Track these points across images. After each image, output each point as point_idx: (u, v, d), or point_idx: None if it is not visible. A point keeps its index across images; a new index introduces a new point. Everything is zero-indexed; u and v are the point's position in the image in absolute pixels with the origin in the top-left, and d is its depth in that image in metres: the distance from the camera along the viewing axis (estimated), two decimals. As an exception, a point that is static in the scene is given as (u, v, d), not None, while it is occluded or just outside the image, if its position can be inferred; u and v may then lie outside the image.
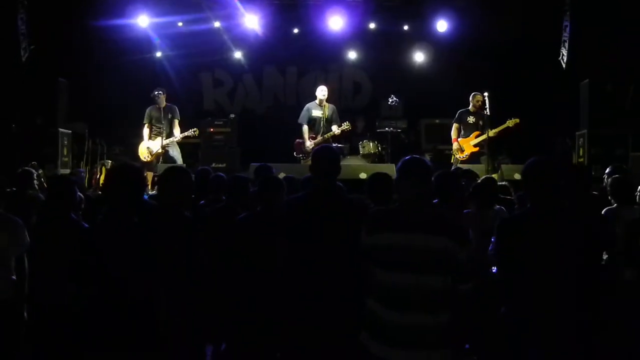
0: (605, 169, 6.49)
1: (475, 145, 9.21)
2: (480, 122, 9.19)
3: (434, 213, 3.20)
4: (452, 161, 9.64)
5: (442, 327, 3.02)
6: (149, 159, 9.70)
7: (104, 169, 10.00)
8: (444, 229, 3.08)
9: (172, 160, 9.68)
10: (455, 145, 9.43)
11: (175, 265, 3.55)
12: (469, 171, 6.50)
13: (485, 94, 8.97)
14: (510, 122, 9.00)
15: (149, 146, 9.78)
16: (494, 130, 8.99)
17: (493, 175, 7.56)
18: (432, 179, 4.36)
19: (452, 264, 3.04)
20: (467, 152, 9.31)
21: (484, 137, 9.05)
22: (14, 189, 5.98)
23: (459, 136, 9.44)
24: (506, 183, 7.24)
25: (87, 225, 4.04)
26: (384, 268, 3.07)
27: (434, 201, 4.66)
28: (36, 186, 6.30)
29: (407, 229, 3.05)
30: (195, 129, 9.78)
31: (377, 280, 3.10)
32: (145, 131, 9.86)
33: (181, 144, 10.17)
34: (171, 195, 3.86)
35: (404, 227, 3.06)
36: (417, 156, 3.24)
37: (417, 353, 2.99)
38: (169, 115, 9.77)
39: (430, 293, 3.01)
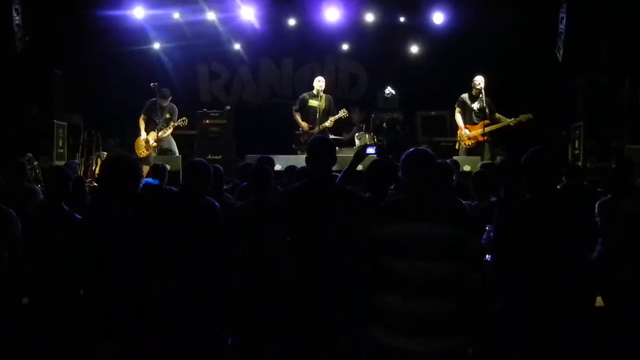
0: (601, 162, 6.45)
1: (483, 135, 9.18)
2: (487, 109, 9.16)
3: (445, 202, 3.27)
4: (457, 147, 9.67)
5: (454, 314, 3.06)
6: (144, 154, 9.69)
7: (99, 161, 9.98)
8: (456, 217, 3.15)
9: (169, 151, 9.70)
10: (465, 133, 9.39)
11: (170, 255, 3.54)
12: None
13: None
14: (523, 117, 9.03)
15: (146, 140, 9.76)
16: (516, 119, 9.03)
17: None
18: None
19: (463, 252, 3.10)
20: (474, 141, 9.30)
21: (500, 124, 9.11)
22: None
23: (464, 122, 9.44)
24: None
25: (79, 217, 4.01)
26: (399, 257, 3.08)
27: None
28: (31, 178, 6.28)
29: (420, 218, 3.10)
30: (184, 118, 9.84)
31: (391, 270, 3.11)
32: (142, 124, 9.85)
33: (177, 136, 10.16)
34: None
35: (417, 216, 3.11)
36: (421, 148, 3.30)
37: (432, 340, 3.01)
38: (168, 115, 9.81)
39: (444, 281, 3.06)
